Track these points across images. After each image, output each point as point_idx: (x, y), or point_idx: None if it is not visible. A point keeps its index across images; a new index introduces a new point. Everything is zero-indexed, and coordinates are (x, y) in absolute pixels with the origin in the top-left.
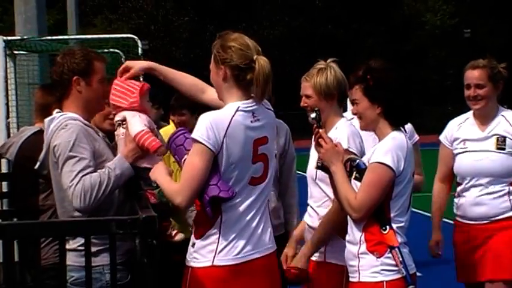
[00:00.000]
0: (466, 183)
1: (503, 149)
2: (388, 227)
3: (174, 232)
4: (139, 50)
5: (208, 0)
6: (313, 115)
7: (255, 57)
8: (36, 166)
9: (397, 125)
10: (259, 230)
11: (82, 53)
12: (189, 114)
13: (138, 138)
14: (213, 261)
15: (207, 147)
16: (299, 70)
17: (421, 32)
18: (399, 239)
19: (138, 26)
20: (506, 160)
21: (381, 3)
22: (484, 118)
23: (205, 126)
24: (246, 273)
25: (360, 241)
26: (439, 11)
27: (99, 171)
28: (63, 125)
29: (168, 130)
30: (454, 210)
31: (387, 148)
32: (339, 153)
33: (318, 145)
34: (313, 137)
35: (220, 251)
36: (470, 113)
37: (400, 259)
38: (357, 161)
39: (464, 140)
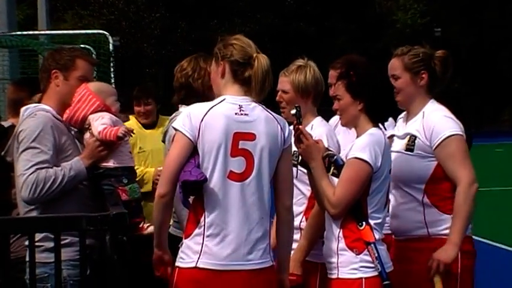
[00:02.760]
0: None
1: (412, 150)
2: (364, 223)
3: (146, 225)
4: (110, 46)
5: None
6: (293, 111)
7: (254, 55)
8: (3, 152)
9: (377, 121)
10: (250, 241)
11: (68, 50)
12: (154, 104)
13: (101, 136)
14: (197, 263)
15: (182, 133)
16: (271, 67)
17: (392, 30)
18: (376, 236)
19: (109, 22)
20: (415, 163)
21: (352, 1)
22: (409, 114)
23: (184, 115)
24: (229, 283)
25: (339, 237)
26: (410, 9)
27: (55, 168)
28: (33, 114)
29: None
30: None
31: (365, 143)
32: (320, 149)
33: (299, 141)
34: (293, 133)
35: (204, 253)
36: None
37: (376, 255)
38: (335, 157)
39: (394, 137)
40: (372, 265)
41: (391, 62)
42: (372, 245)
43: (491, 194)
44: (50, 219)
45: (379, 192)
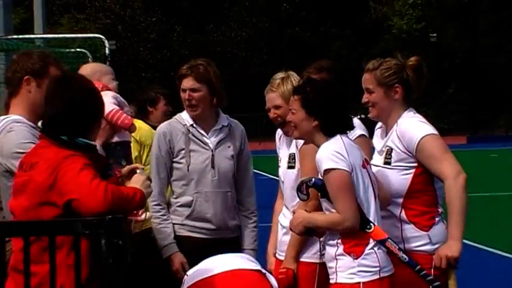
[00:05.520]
0: None
1: (389, 163)
2: (371, 224)
3: (140, 211)
4: (107, 49)
5: (175, 1)
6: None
7: None
8: None
9: (331, 135)
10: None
11: (39, 54)
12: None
13: (110, 116)
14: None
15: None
16: (266, 72)
17: (387, 35)
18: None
19: (106, 26)
20: (392, 177)
21: (348, 6)
22: (386, 127)
23: None
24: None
25: (338, 243)
26: (406, 15)
27: None
28: (8, 128)
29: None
30: None
31: (323, 154)
32: (298, 215)
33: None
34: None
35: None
36: None
37: (397, 247)
38: (312, 180)
39: (374, 151)
40: (370, 269)
41: (364, 77)
42: (389, 240)
43: (485, 199)
44: (45, 223)
45: (362, 190)
